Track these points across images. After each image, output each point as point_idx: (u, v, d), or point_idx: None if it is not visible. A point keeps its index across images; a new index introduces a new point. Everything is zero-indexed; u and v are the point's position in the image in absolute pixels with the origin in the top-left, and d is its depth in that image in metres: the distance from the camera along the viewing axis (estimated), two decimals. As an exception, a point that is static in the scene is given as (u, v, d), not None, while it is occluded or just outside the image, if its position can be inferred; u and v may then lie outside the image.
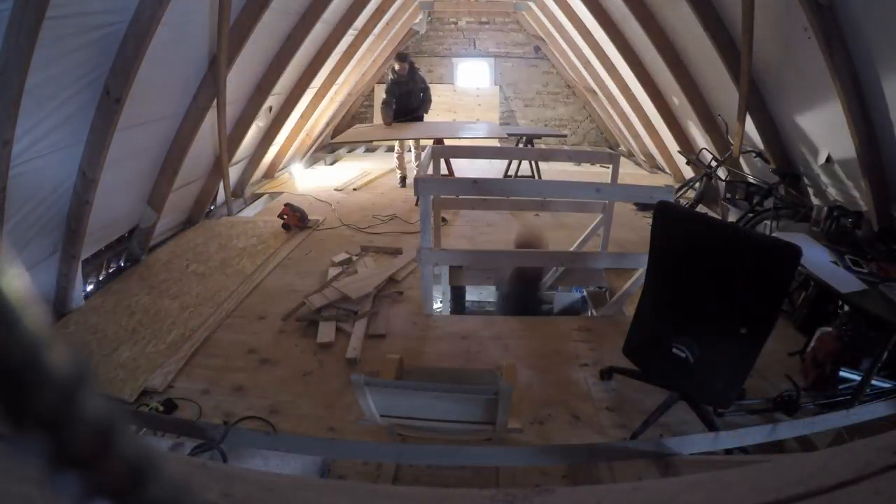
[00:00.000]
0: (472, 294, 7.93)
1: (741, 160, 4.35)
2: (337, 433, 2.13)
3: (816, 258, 2.37)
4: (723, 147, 4.55)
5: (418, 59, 9.10)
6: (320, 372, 2.57)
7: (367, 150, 8.65)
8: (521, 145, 6.35)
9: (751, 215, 3.82)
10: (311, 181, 6.49)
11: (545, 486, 1.76)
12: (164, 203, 3.88)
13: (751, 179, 4.18)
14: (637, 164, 7.70)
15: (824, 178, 3.55)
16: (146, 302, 3.23)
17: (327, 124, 7.95)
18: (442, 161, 4.69)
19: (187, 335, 2.83)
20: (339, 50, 5.86)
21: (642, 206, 5.19)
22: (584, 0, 5.42)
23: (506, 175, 6.08)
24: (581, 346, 2.80)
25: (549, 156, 5.80)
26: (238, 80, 4.22)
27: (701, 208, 4.78)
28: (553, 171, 7.13)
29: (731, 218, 4.31)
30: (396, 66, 5.64)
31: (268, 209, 5.53)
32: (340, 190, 5.98)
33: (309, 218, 4.58)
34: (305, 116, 6.43)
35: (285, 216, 4.47)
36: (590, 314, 4.07)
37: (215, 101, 3.92)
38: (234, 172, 5.13)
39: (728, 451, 1.80)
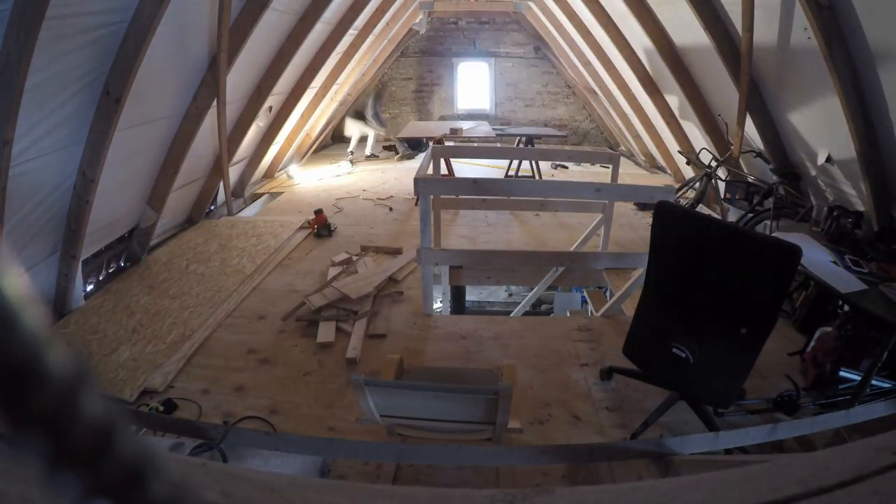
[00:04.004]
0: (472, 294, 7.95)
1: (741, 160, 4.35)
2: (337, 433, 2.13)
3: (816, 258, 2.37)
4: (723, 147, 4.55)
5: (418, 58, 9.13)
6: (320, 372, 2.57)
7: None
8: (521, 145, 6.35)
9: (751, 215, 3.82)
10: (310, 181, 6.49)
11: (545, 486, 1.76)
12: (164, 203, 3.88)
13: (751, 179, 4.18)
14: (637, 164, 7.70)
15: (824, 178, 3.55)
16: (146, 302, 3.23)
17: (327, 124, 7.95)
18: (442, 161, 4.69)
19: (187, 335, 2.83)
20: (339, 50, 5.86)
21: (642, 206, 5.19)
22: (584, 0, 5.42)
23: (506, 175, 6.09)
24: (581, 346, 2.80)
25: (549, 156, 5.80)
26: (238, 80, 4.22)
27: (701, 208, 4.78)
28: (553, 171, 7.14)
29: (731, 218, 4.31)
30: None
31: (268, 209, 5.53)
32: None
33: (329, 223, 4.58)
34: (305, 116, 6.43)
35: (315, 225, 4.45)
36: (589, 314, 4.07)
37: (215, 101, 3.92)
38: (234, 172, 5.14)
39: (728, 451, 1.80)
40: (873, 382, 2.07)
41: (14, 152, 2.25)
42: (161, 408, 2.23)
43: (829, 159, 3.32)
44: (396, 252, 4.00)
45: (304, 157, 7.50)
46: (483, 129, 6.48)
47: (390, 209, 5.26)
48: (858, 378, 2.11)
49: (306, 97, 5.89)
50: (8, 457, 0.44)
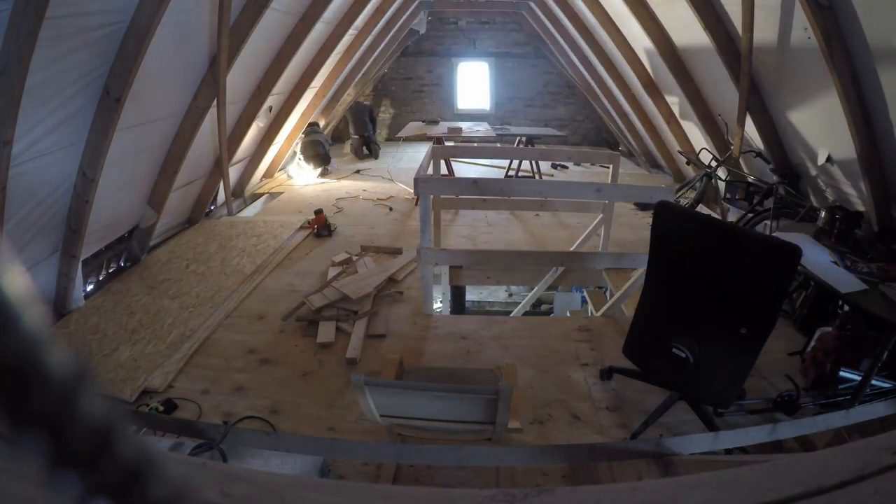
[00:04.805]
0: (472, 294, 7.95)
1: (741, 160, 4.35)
2: (337, 433, 2.13)
3: (816, 258, 2.37)
4: (723, 147, 4.55)
5: (418, 58, 9.14)
6: (320, 372, 2.57)
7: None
8: (521, 145, 6.35)
9: (751, 215, 3.82)
10: (309, 181, 6.49)
11: (545, 486, 1.76)
12: (164, 203, 3.88)
13: (751, 179, 4.18)
14: (637, 164, 7.71)
15: (824, 178, 3.55)
16: (146, 302, 3.23)
17: (327, 124, 7.95)
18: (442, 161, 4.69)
19: (187, 335, 2.83)
20: (338, 50, 5.86)
21: (642, 206, 5.19)
22: (584, 0, 5.42)
23: (506, 175, 6.09)
24: (581, 346, 2.80)
25: (549, 156, 5.80)
26: (238, 80, 4.22)
27: (701, 208, 4.78)
28: (553, 171, 7.14)
29: (731, 218, 4.31)
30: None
31: (268, 209, 5.53)
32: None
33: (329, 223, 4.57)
34: (305, 116, 6.43)
35: (315, 225, 4.45)
36: (589, 314, 4.07)
37: (215, 101, 3.92)
38: (234, 172, 5.13)
39: (728, 451, 1.80)
40: (873, 382, 2.07)
41: (14, 152, 2.24)
42: (161, 408, 2.23)
43: (829, 159, 3.32)
44: (396, 252, 4.00)
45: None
46: (483, 128, 6.46)
47: (390, 209, 5.26)
48: (858, 378, 2.11)
49: (306, 97, 5.90)
50: (8, 457, 0.44)
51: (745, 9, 3.31)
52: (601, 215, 3.74)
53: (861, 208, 3.10)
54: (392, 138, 8.36)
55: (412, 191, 5.21)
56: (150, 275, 3.65)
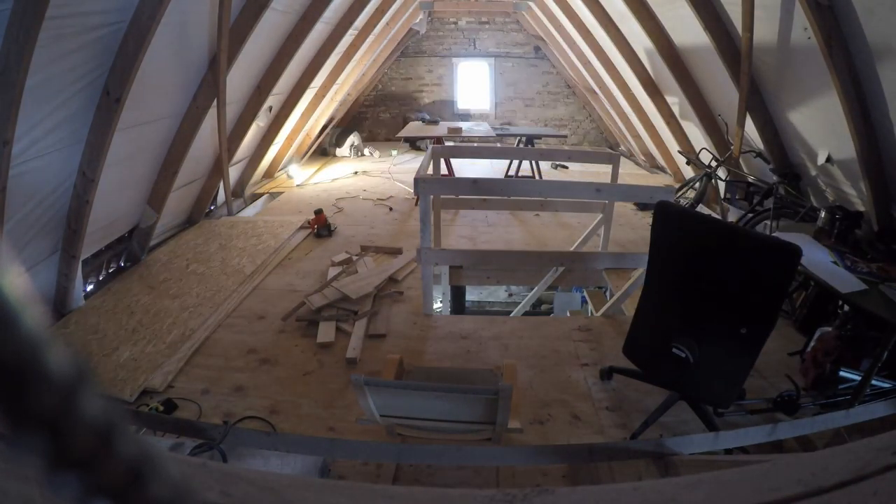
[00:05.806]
0: (472, 294, 7.95)
1: (741, 160, 4.35)
2: (337, 433, 2.13)
3: (816, 258, 2.36)
4: (723, 147, 4.55)
5: (418, 58, 9.14)
6: (320, 372, 2.57)
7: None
8: (521, 145, 6.35)
9: (751, 215, 3.82)
10: (310, 181, 6.49)
11: (545, 486, 1.76)
12: (164, 203, 3.88)
13: (751, 179, 4.18)
14: (637, 164, 7.71)
15: (824, 178, 3.55)
16: (146, 302, 3.23)
17: (327, 124, 7.95)
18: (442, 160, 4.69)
19: (187, 335, 2.83)
20: (338, 50, 5.86)
21: (642, 206, 5.19)
22: (584, 0, 5.42)
23: (506, 175, 6.09)
24: (581, 346, 2.80)
25: (549, 156, 5.81)
26: (238, 80, 4.22)
27: (701, 208, 4.78)
28: (553, 171, 7.15)
29: (731, 218, 4.31)
30: None
31: (268, 209, 5.53)
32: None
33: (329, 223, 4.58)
34: (305, 116, 6.43)
35: (315, 225, 4.45)
36: (589, 314, 4.07)
37: (215, 101, 3.92)
38: (234, 172, 5.13)
39: (728, 451, 1.80)
40: (873, 382, 2.07)
41: (14, 152, 2.25)
42: (161, 408, 2.23)
43: (829, 159, 3.31)
44: (396, 252, 4.00)
45: (304, 156, 7.49)
46: (483, 128, 6.46)
47: (390, 209, 5.26)
48: (858, 378, 2.11)
49: (306, 97, 5.89)
50: (8, 457, 0.44)
51: (744, 9, 3.31)
52: (601, 215, 3.74)
53: (861, 208, 3.10)
54: (392, 138, 8.34)
55: (412, 191, 5.21)
56: (150, 275, 3.65)
